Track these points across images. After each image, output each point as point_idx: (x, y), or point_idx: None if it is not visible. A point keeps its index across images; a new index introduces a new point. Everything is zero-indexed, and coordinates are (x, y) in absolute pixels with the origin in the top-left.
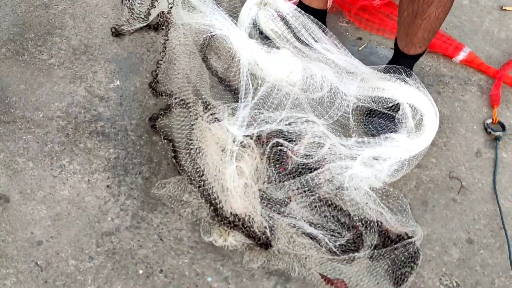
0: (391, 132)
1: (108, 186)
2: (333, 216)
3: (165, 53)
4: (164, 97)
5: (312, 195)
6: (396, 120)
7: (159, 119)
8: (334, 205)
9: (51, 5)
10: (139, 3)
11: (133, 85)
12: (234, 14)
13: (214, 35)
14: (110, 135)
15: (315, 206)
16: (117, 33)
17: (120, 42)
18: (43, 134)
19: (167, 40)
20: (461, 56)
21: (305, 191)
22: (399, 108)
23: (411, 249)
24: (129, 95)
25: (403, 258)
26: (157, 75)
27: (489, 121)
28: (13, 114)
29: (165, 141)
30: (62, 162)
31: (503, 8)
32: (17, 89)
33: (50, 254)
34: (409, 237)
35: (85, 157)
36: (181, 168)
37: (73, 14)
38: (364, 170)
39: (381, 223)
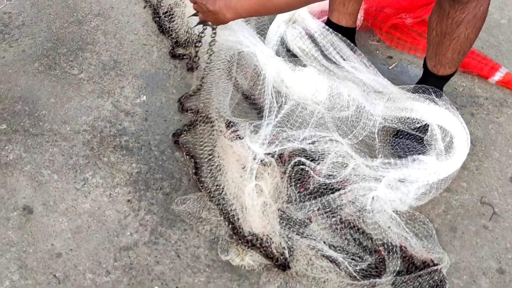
0: (419, 154)
1: (129, 200)
2: (354, 239)
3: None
4: (189, 113)
5: (333, 217)
6: (424, 142)
7: (182, 135)
8: (356, 228)
9: (85, 22)
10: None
11: (159, 101)
12: (262, 31)
13: (241, 52)
14: (133, 150)
15: (336, 228)
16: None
17: (148, 58)
18: (69, 147)
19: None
20: (497, 76)
21: (326, 212)
22: (427, 130)
23: (436, 277)
24: (154, 111)
25: (428, 287)
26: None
27: None
28: (42, 127)
29: (187, 157)
30: (86, 175)
31: None
32: (47, 103)
33: (68, 267)
34: (435, 264)
35: (108, 171)
36: (201, 184)
37: (105, 31)
38: (388, 193)
39: (406, 248)
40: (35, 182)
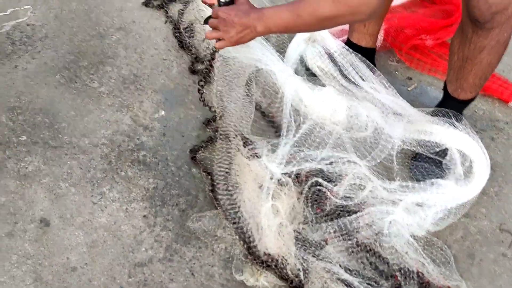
0: (438, 178)
1: (144, 216)
2: (370, 263)
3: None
4: (211, 130)
5: (349, 239)
6: (443, 166)
7: (200, 151)
8: (372, 252)
9: (106, 35)
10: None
11: (177, 116)
12: (281, 49)
13: (260, 70)
14: (150, 165)
15: (352, 251)
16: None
17: (168, 73)
18: (87, 160)
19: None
20: None
21: (342, 235)
22: (446, 154)
23: None
24: (172, 126)
25: None
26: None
27: None
28: (61, 139)
29: (204, 173)
30: (103, 189)
31: None
32: (67, 115)
33: (83, 281)
34: None
35: (125, 185)
36: (217, 202)
37: (126, 45)
38: (406, 217)
39: (422, 274)
40: (52, 195)
